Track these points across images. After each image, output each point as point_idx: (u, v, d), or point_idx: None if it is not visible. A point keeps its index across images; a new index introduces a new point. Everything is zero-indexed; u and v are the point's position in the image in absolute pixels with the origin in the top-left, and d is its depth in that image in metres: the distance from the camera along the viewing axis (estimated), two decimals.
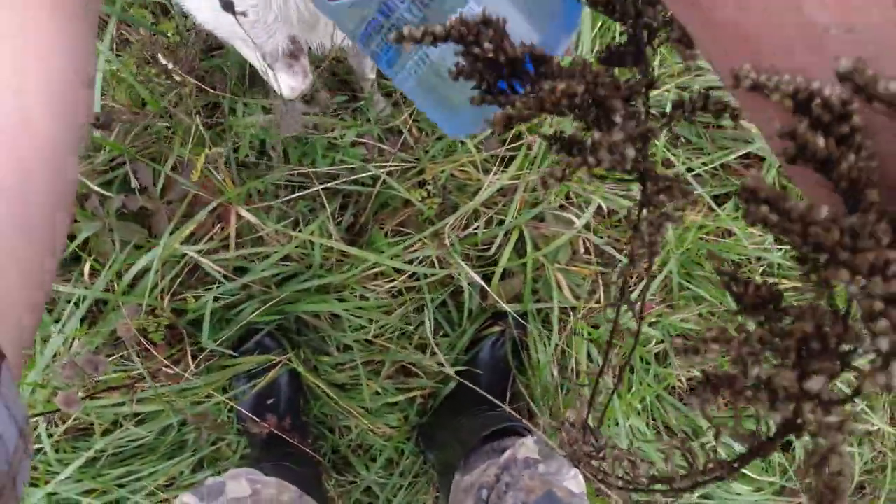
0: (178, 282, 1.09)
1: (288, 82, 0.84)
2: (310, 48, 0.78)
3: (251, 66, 1.10)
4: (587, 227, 1.25)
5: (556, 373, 1.23)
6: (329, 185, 1.11)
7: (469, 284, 1.22)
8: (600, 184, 1.23)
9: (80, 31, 0.36)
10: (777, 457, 1.34)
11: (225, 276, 1.08)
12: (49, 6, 0.34)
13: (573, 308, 1.25)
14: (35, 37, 0.33)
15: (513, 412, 1.25)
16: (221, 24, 0.74)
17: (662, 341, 1.29)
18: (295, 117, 0.94)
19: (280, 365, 1.22)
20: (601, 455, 0.51)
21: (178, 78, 0.88)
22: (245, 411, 1.20)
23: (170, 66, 0.89)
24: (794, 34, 0.20)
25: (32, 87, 0.32)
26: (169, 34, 0.89)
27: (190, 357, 1.14)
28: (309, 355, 1.26)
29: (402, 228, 1.21)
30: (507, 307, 1.19)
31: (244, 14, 0.66)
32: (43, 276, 0.33)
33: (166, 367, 1.13)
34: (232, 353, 1.15)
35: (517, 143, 1.15)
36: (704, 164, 1.29)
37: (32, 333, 0.33)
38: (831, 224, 0.17)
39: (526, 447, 0.83)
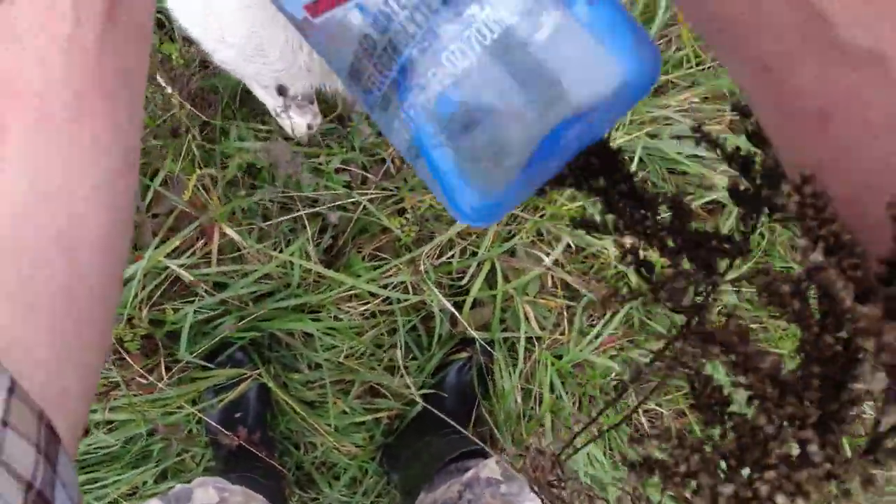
0: (157, 293, 1.12)
1: (300, 123, 0.89)
2: (320, 90, 0.82)
3: (244, 87, 1.15)
4: (556, 262, 1.32)
5: (519, 399, 1.28)
6: (314, 210, 1.15)
7: (440, 311, 1.27)
8: (570, 223, 1.30)
9: (129, 115, 0.36)
10: None
11: (206, 291, 1.12)
12: (103, 92, 0.34)
13: (538, 338, 1.31)
14: (89, 125, 0.33)
15: (475, 437, 1.29)
16: (242, 67, 0.78)
17: (622, 374, 1.36)
18: (286, 153, 1.00)
19: (250, 379, 1.25)
20: (562, 485, 0.55)
21: (174, 101, 0.92)
22: (214, 423, 1.22)
23: (168, 89, 0.93)
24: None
25: (83, 183, 0.33)
26: (173, 56, 0.94)
27: (164, 368, 1.17)
28: (279, 371, 1.29)
29: (378, 253, 1.25)
30: (476, 335, 1.25)
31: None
32: (95, 363, 0.34)
33: (140, 376, 1.15)
34: (209, 365, 1.18)
35: None
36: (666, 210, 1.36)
37: (86, 417, 0.34)
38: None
39: (489, 468, 0.88)
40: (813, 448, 0.19)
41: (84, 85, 0.33)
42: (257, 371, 1.25)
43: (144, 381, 1.15)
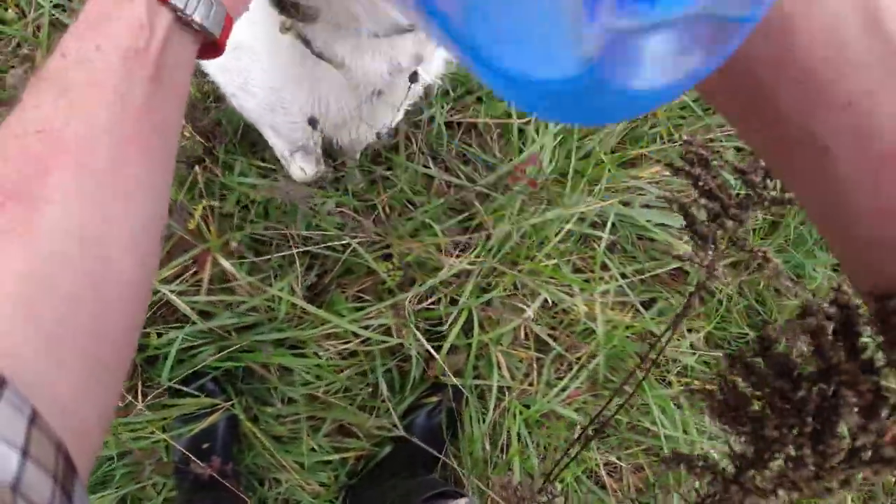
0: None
1: (304, 168, 0.94)
2: (332, 141, 0.88)
3: (245, 123, 1.20)
4: (528, 316, 1.39)
5: (487, 446, 1.33)
6: (306, 249, 1.20)
7: (417, 354, 1.32)
8: (548, 279, 1.38)
9: (163, 168, 0.40)
10: None
11: (194, 319, 1.14)
12: (142, 146, 0.37)
13: (508, 388, 1.37)
14: (127, 176, 0.36)
15: (443, 479, 1.33)
16: (259, 115, 0.83)
17: (587, 427, 1.42)
18: (301, 192, 1.05)
19: (221, 410, 1.27)
20: None
21: (186, 132, 0.97)
22: (184, 451, 1.23)
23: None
24: None
25: (116, 233, 0.35)
26: (192, 90, 0.99)
27: (140, 393, 1.18)
28: (251, 404, 1.31)
29: (361, 295, 1.30)
30: (451, 380, 1.29)
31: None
32: (112, 399, 0.36)
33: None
34: (190, 390, 1.19)
35: (476, 233, 1.29)
36: (636, 271, 1.46)
37: (100, 448, 0.36)
38: None
39: None
40: (807, 452, 0.26)
41: (125, 139, 0.36)
42: (230, 402, 1.27)
43: (120, 404, 1.16)
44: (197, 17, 0.41)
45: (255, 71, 0.76)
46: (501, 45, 0.19)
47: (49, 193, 0.33)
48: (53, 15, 1.34)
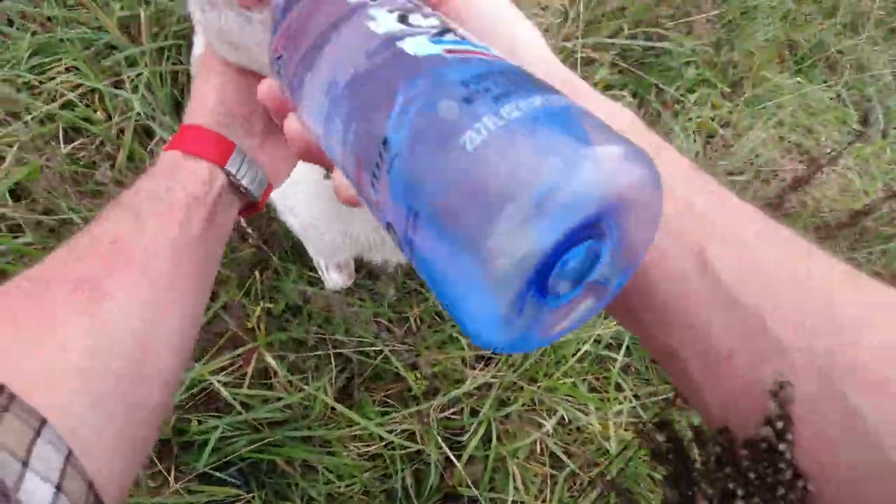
0: (189, 404, 1.23)
1: (336, 280, 1.08)
2: (362, 259, 1.01)
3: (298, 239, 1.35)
4: (546, 431, 1.46)
5: None
6: (340, 351, 1.31)
7: (436, 462, 1.38)
8: (564, 396, 1.46)
9: (204, 288, 0.49)
10: None
11: (237, 410, 1.23)
12: (191, 269, 0.47)
13: (523, 502, 1.41)
14: (177, 289, 0.45)
15: None
16: (300, 232, 0.97)
17: None
18: (337, 299, 1.18)
19: (244, 502, 1.33)
20: None
21: (251, 241, 1.11)
22: None
23: (248, 228, 1.12)
24: None
25: (162, 331, 0.43)
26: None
27: (174, 477, 1.25)
28: (271, 498, 1.37)
29: (387, 399, 1.39)
30: (469, 490, 1.35)
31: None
32: (131, 479, 0.40)
33: (149, 478, 1.23)
34: (223, 476, 1.26)
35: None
36: (650, 394, 1.53)
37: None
38: None
39: None
40: None
41: (181, 260, 0.46)
42: (251, 495, 1.33)
43: (153, 484, 1.23)
44: (244, 182, 0.53)
45: (300, 200, 0.90)
46: (458, 315, 0.26)
47: (113, 291, 0.41)
48: (138, 120, 1.52)
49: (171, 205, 0.47)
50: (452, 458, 1.29)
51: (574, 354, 1.43)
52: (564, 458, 1.46)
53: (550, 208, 0.22)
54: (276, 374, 1.23)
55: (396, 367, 1.33)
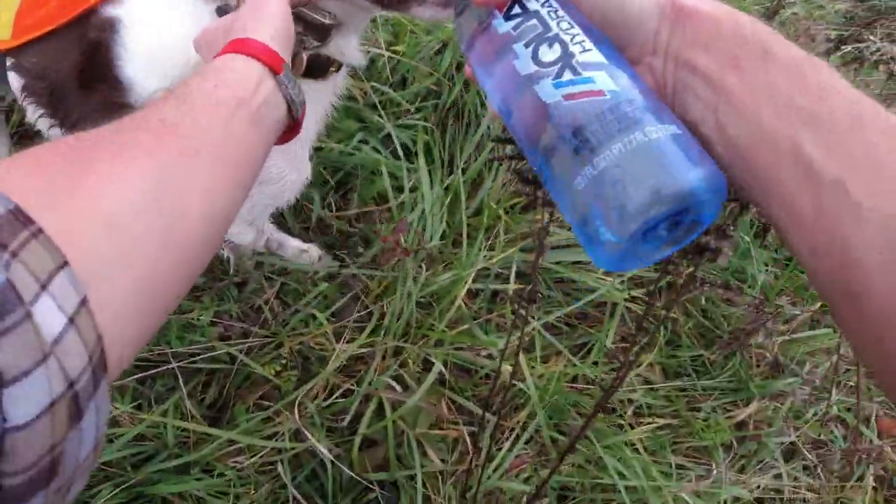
0: None
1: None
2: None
3: None
4: (451, 388, 1.34)
5: None
6: (186, 364, 1.21)
7: (336, 457, 1.28)
8: (463, 345, 1.35)
9: (244, 184, 0.52)
10: None
11: None
12: (232, 160, 0.50)
13: (442, 473, 1.31)
14: (210, 166, 0.47)
15: None
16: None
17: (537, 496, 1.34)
18: None
19: None
20: None
21: None
22: None
23: None
24: None
25: (194, 208, 0.45)
26: None
27: None
28: None
29: (263, 402, 1.29)
30: (373, 476, 1.25)
31: None
32: (148, 331, 0.42)
33: None
34: None
35: (367, 314, 1.27)
36: (562, 318, 1.41)
37: (121, 370, 0.41)
38: None
39: None
40: None
41: (222, 152, 0.49)
42: None
43: None
44: (290, 91, 0.58)
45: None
46: (592, 248, 0.44)
47: (156, 157, 0.43)
48: None
49: (218, 101, 0.51)
50: (325, 452, 1.19)
51: (457, 298, 1.31)
52: (479, 411, 1.35)
53: (664, 198, 0.40)
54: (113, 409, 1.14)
55: (254, 368, 1.23)
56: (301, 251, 1.33)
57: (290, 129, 0.62)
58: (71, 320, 0.32)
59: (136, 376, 1.19)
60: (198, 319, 1.22)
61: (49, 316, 0.31)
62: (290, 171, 1.01)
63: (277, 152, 0.93)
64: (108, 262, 0.37)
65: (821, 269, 0.38)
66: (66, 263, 0.33)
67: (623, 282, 1.40)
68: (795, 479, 1.42)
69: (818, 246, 0.38)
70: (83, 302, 0.33)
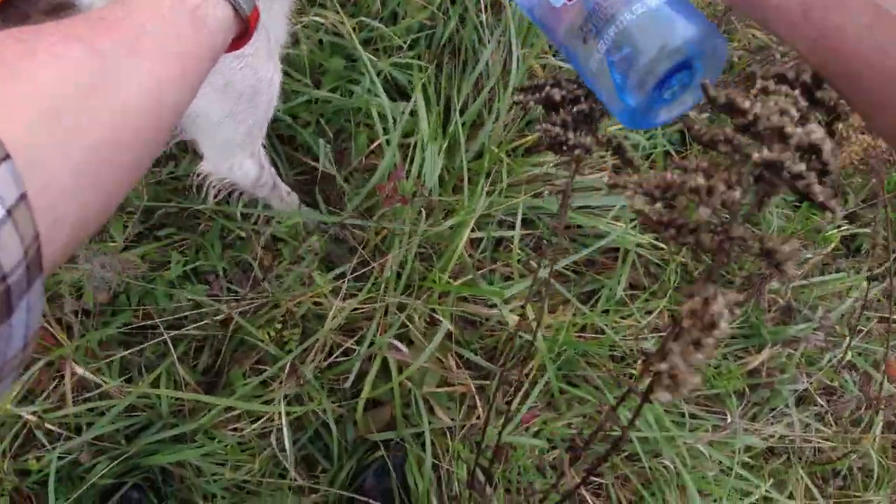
0: (17, 443, 1.09)
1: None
2: None
3: None
4: (457, 342, 1.29)
5: (435, 501, 1.23)
6: (176, 334, 1.14)
7: (338, 418, 1.23)
8: (468, 297, 1.29)
9: (189, 83, 0.50)
10: None
11: (68, 436, 1.09)
12: (173, 61, 0.48)
13: (451, 429, 1.27)
14: (159, 65, 0.47)
15: None
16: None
17: (547, 450, 1.31)
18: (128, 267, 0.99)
19: None
20: None
21: None
22: None
23: None
24: None
25: (139, 96, 0.44)
26: None
27: None
28: None
29: (260, 367, 1.23)
30: (378, 436, 1.21)
31: None
32: (94, 219, 0.41)
33: None
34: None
35: (365, 269, 1.20)
36: (569, 265, 1.35)
37: (66, 257, 0.40)
38: None
39: None
40: None
41: (166, 48, 0.48)
42: None
43: None
44: None
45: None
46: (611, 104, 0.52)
47: (101, 47, 0.42)
48: None
49: (157, 2, 0.49)
50: (328, 418, 1.13)
51: (459, 247, 1.24)
52: (487, 364, 1.30)
53: (669, 52, 0.47)
54: (97, 384, 1.07)
55: (250, 331, 1.16)
56: (287, 192, 1.25)
57: (242, 34, 0.59)
58: (8, 212, 0.31)
59: (129, 350, 1.12)
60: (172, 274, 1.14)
61: None
62: (274, 71, 0.98)
63: (258, 57, 0.93)
64: (47, 149, 0.36)
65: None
66: (7, 157, 0.32)
67: (634, 227, 1.33)
68: (807, 426, 1.39)
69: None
70: (23, 196, 0.33)
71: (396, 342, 1.17)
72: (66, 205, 0.37)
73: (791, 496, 1.40)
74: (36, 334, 0.35)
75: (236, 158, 1.08)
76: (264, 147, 1.14)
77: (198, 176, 1.11)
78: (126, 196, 0.46)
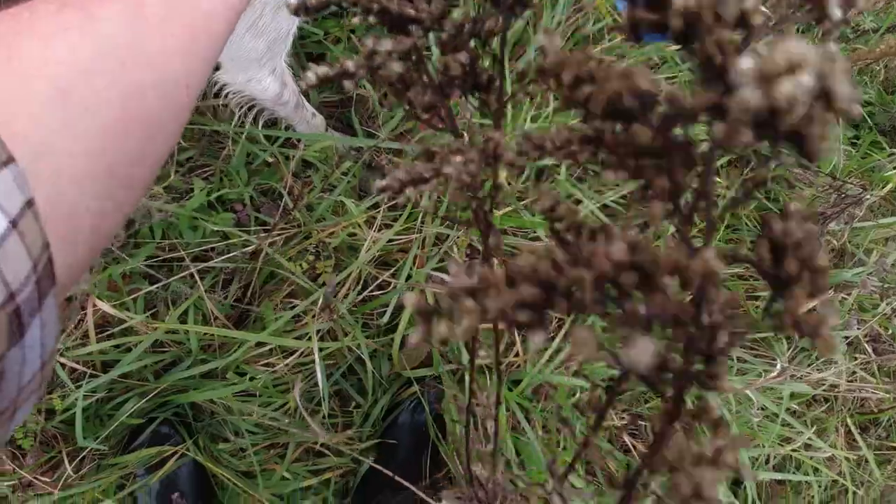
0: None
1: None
2: None
3: None
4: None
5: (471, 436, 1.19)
6: (205, 265, 1.07)
7: (372, 353, 1.18)
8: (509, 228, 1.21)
9: (195, 56, 0.44)
10: None
11: (93, 374, 1.04)
12: (179, 29, 0.42)
13: (489, 366, 1.21)
14: (164, 34, 0.41)
15: (439, 482, 1.21)
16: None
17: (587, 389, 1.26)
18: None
19: (177, 456, 1.17)
20: None
21: None
22: None
23: None
24: None
25: (147, 67, 0.39)
26: None
27: (67, 460, 1.09)
28: (207, 442, 1.21)
29: (292, 300, 1.17)
30: (412, 373, 1.16)
31: None
32: (114, 218, 0.37)
33: (43, 473, 1.08)
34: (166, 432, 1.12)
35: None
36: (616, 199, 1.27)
37: (86, 265, 0.37)
38: None
39: None
40: None
41: (170, 15, 0.41)
42: (182, 446, 1.17)
43: (47, 479, 1.07)
44: None
45: None
46: None
47: (101, 14, 0.37)
48: None
49: None
50: (363, 354, 1.08)
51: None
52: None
53: None
54: (120, 320, 1.02)
55: (281, 263, 1.09)
56: (312, 114, 1.16)
57: None
58: (13, 224, 0.28)
59: (155, 285, 1.06)
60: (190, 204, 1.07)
61: None
62: None
63: None
64: (56, 133, 0.32)
65: None
66: (10, 160, 0.29)
67: None
68: (853, 374, 1.34)
69: None
70: (29, 203, 0.29)
71: (438, 273, 1.11)
72: (81, 191, 0.33)
73: (833, 445, 1.36)
74: (54, 352, 0.32)
75: (255, 72, 1.00)
76: (289, 65, 1.05)
77: (216, 86, 1.03)
78: (150, 183, 0.39)
